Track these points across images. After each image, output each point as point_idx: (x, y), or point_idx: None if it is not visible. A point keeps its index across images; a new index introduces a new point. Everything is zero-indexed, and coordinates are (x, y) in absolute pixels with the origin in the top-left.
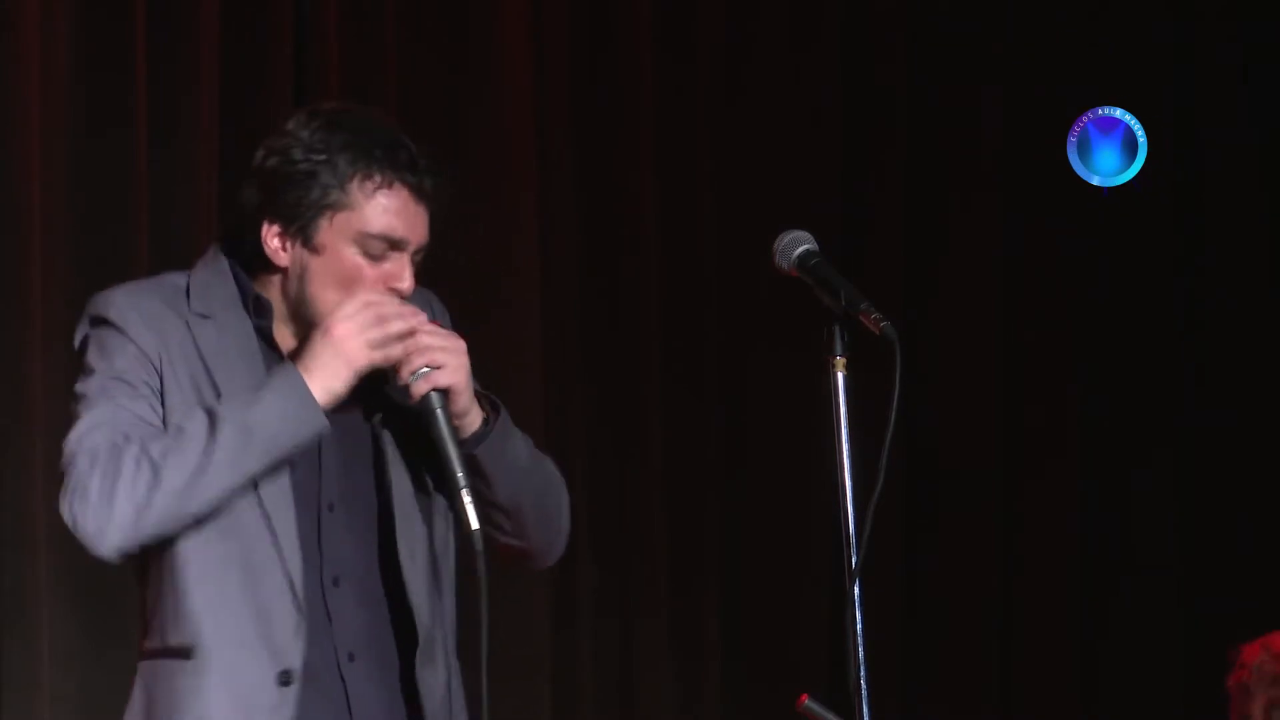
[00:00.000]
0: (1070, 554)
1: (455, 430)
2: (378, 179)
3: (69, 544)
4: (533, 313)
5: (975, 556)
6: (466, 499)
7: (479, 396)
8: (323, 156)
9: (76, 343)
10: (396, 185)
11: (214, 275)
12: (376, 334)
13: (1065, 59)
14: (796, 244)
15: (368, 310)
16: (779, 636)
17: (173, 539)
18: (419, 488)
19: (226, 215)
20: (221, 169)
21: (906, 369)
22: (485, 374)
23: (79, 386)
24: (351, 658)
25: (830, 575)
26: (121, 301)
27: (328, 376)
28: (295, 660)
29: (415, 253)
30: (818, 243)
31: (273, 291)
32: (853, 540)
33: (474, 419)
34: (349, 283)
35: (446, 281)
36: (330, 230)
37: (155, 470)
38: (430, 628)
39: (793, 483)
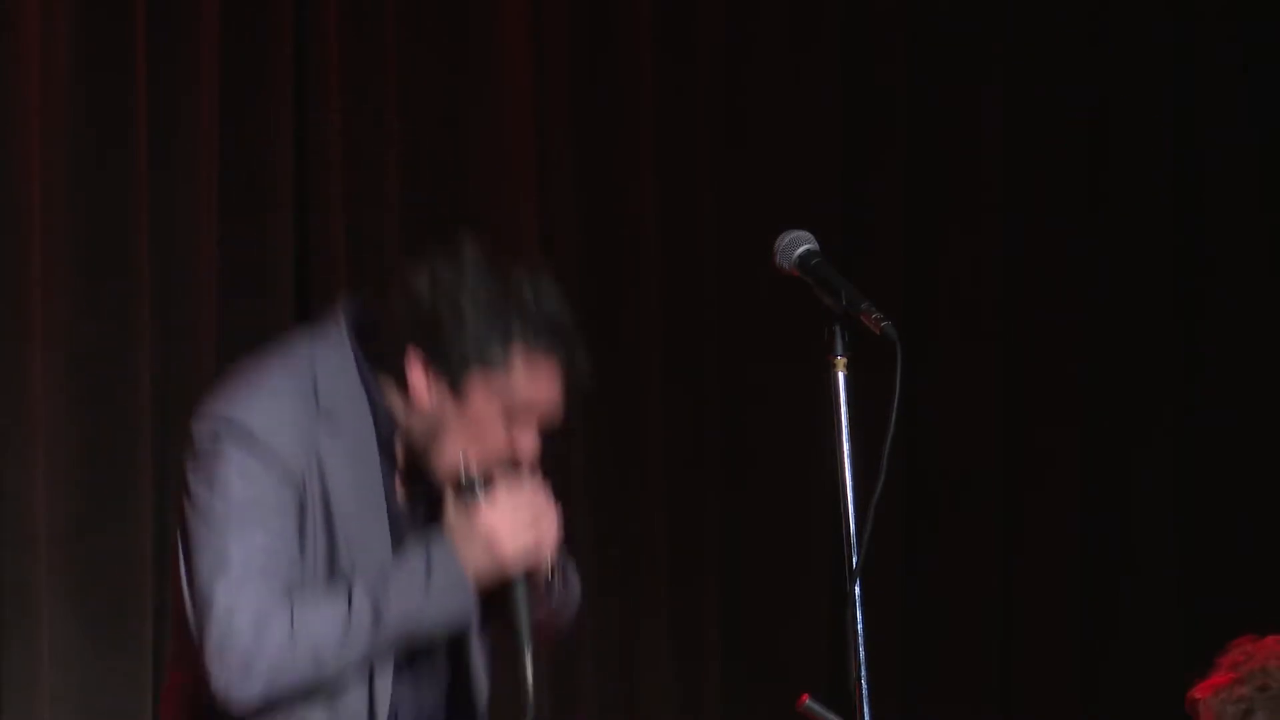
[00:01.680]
0: (1070, 554)
1: (529, 596)
2: (540, 354)
3: (69, 544)
4: None
5: (975, 556)
6: (529, 663)
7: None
8: (493, 314)
9: (201, 436)
10: (554, 364)
11: (341, 367)
12: (532, 537)
13: (1065, 59)
14: (797, 244)
15: (524, 511)
16: (779, 636)
17: None
18: (480, 645)
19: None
20: (221, 169)
21: (907, 369)
22: None
23: (217, 502)
24: None
25: (830, 575)
26: (266, 413)
27: (484, 573)
28: None
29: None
30: (818, 243)
31: (394, 396)
32: (853, 540)
33: (540, 578)
34: (481, 438)
35: None
36: (480, 386)
37: (318, 663)
38: (485, 700)
39: (793, 483)
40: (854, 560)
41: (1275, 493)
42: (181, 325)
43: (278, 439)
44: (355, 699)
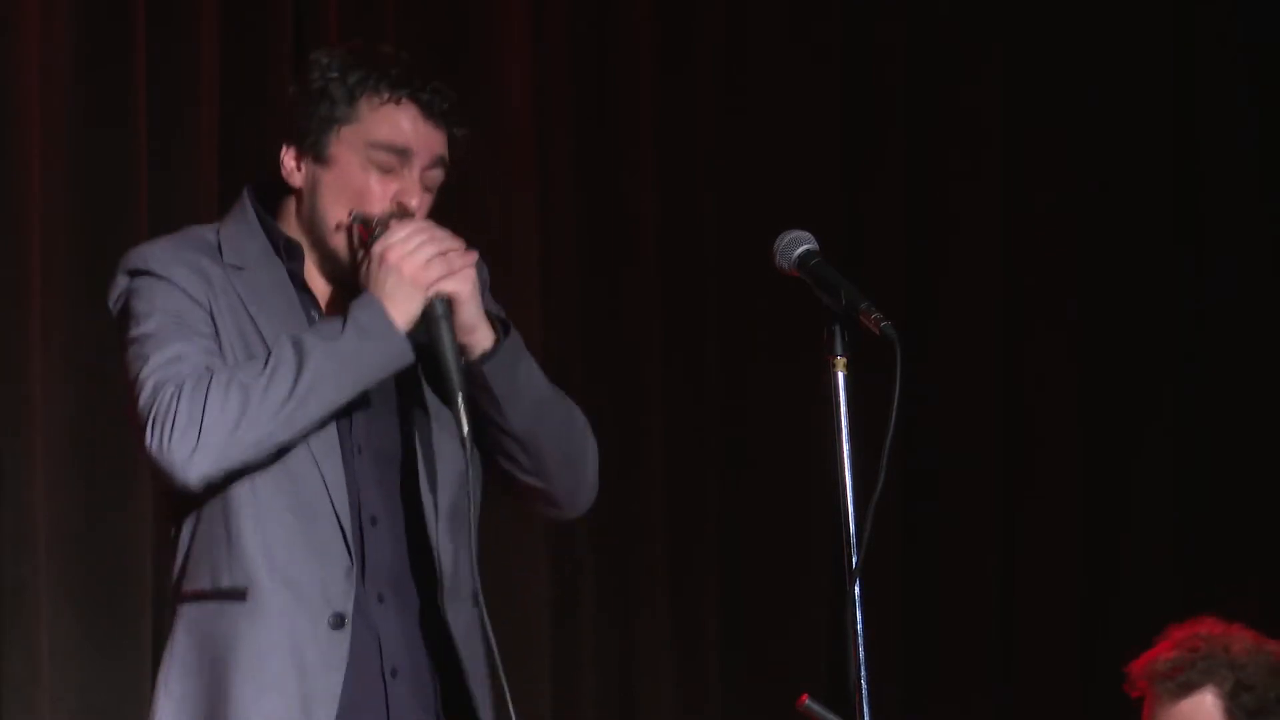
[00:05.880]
0: (1070, 554)
1: (456, 341)
2: (386, 94)
3: (69, 544)
4: (533, 313)
5: (975, 556)
6: (461, 405)
7: (493, 320)
8: (335, 75)
9: (114, 299)
10: (405, 101)
11: (243, 226)
12: (432, 252)
13: (1065, 59)
14: (797, 244)
15: (419, 233)
16: (779, 636)
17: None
18: (440, 430)
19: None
20: (221, 169)
21: (907, 368)
22: None
23: (135, 331)
24: (381, 599)
25: (830, 575)
26: (160, 254)
27: (401, 302)
28: (347, 603)
29: (428, 172)
30: (818, 242)
31: (292, 219)
32: (853, 540)
33: (483, 337)
34: (358, 196)
35: None
36: (339, 143)
37: (246, 397)
38: (454, 568)
39: (793, 483)
40: (854, 560)
41: (1277, 493)
42: None
43: (174, 270)
44: (307, 485)
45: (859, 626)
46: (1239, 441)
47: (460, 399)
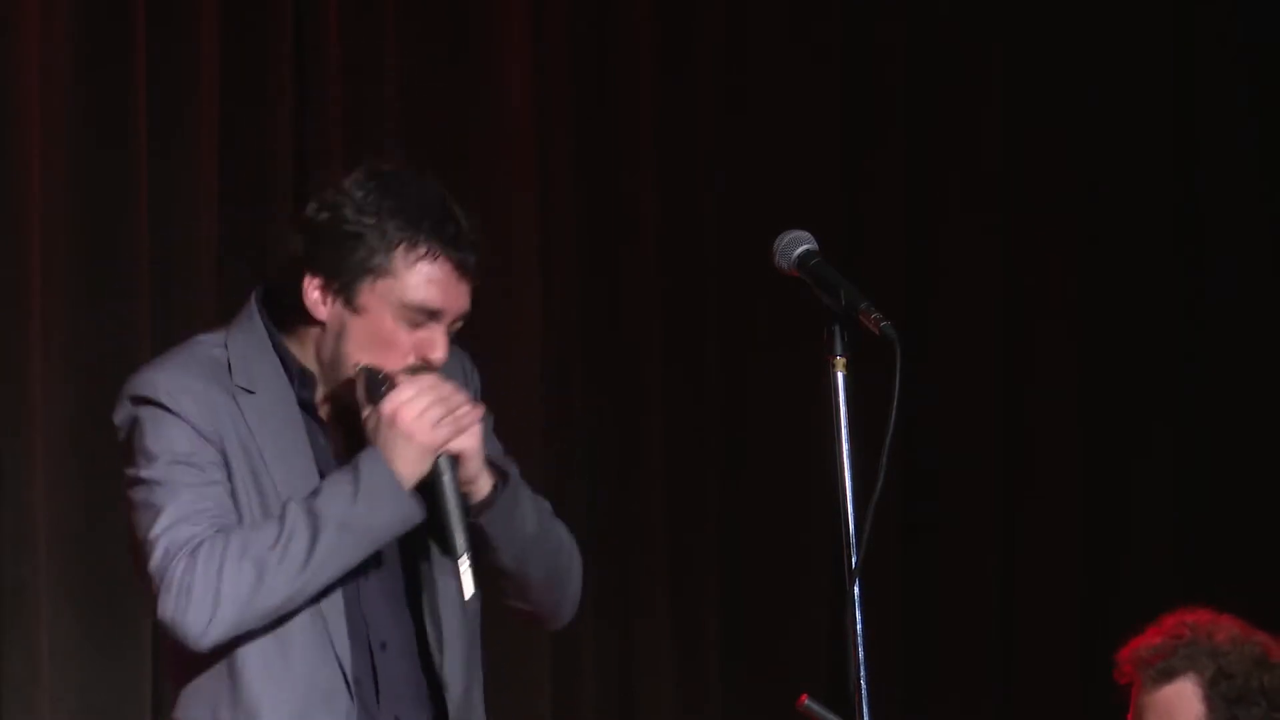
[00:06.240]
0: (1070, 553)
1: (461, 496)
2: (423, 250)
3: (69, 544)
4: (533, 313)
5: (975, 556)
6: (464, 566)
7: (490, 464)
8: (372, 220)
9: (120, 421)
10: (441, 258)
11: (252, 342)
12: (441, 413)
13: (1065, 59)
14: (796, 244)
15: (428, 393)
16: (779, 636)
17: None
18: (444, 556)
19: (230, 242)
20: (221, 169)
21: (906, 368)
22: (485, 374)
23: (142, 472)
24: None
25: (830, 575)
26: (167, 381)
27: (410, 465)
28: None
29: (453, 322)
30: (817, 242)
31: (308, 345)
32: (853, 540)
33: (483, 486)
34: (384, 346)
35: None
36: (372, 293)
37: (260, 571)
38: (460, 686)
39: (793, 483)
40: (854, 560)
41: (1277, 493)
42: (182, 325)
43: (183, 403)
44: (310, 625)
45: (859, 626)
46: (1239, 441)
47: (464, 560)
